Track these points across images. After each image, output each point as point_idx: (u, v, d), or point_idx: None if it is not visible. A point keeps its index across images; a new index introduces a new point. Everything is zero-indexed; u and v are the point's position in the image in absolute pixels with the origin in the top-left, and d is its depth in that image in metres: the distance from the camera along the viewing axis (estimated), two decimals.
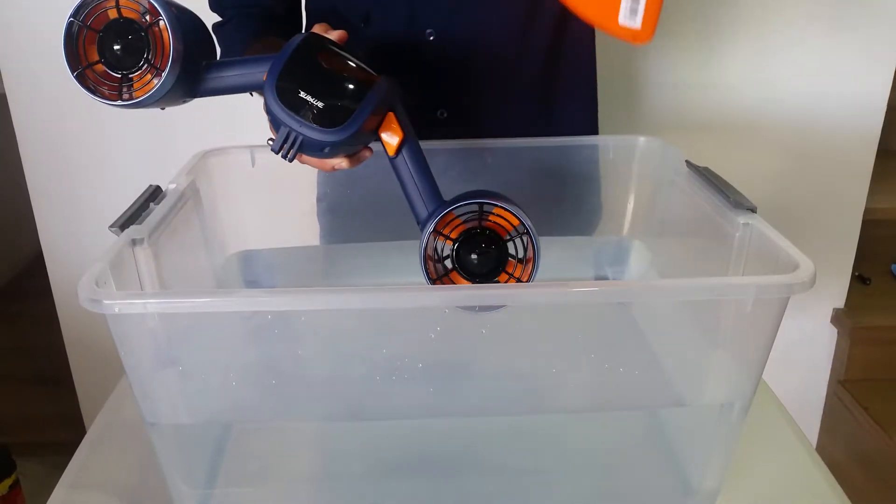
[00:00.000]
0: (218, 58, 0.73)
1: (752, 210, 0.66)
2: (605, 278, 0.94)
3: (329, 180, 0.92)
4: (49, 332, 1.66)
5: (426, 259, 0.63)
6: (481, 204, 0.63)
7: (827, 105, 1.47)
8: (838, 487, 0.71)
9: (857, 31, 1.42)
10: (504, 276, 0.64)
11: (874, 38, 1.43)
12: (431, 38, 0.86)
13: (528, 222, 0.63)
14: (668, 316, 0.72)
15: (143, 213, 0.67)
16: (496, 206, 0.62)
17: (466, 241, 0.63)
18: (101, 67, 0.60)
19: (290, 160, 0.61)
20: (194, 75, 0.63)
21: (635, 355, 0.71)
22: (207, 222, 0.82)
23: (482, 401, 0.66)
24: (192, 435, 0.68)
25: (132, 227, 0.64)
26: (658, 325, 0.73)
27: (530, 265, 0.63)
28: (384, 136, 0.65)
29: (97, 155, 1.46)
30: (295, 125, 0.60)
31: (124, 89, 0.60)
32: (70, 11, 0.59)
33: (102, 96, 0.60)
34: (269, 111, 0.61)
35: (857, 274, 1.72)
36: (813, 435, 1.75)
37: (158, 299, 0.55)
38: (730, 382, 0.64)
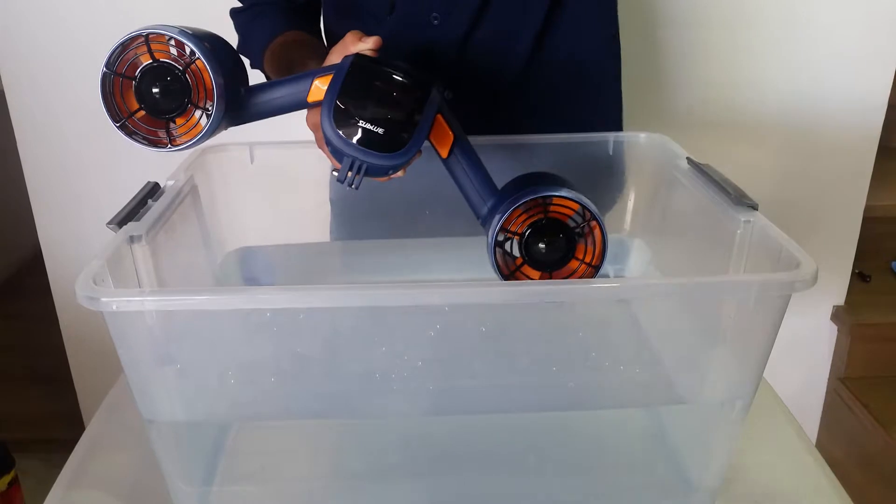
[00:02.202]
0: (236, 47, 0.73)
1: (754, 207, 0.66)
2: (605, 276, 0.93)
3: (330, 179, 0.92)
4: (48, 329, 1.66)
5: (496, 256, 0.63)
6: (543, 197, 0.62)
7: (828, 102, 1.47)
8: (839, 485, 0.71)
9: (858, 29, 1.42)
10: (575, 263, 0.63)
11: (875, 35, 1.42)
12: (436, 21, 0.86)
13: (588, 204, 0.62)
14: (669, 313, 0.71)
15: (141, 210, 0.67)
16: (555, 196, 0.62)
17: (533, 233, 0.63)
18: (142, 114, 0.60)
19: (357, 188, 0.61)
20: (236, 104, 0.63)
21: (636, 353, 0.71)
22: (206, 219, 0.81)
23: (482, 399, 0.66)
24: (191, 433, 0.68)
25: (130, 224, 0.64)
26: (659, 322, 0.73)
27: (599, 247, 0.63)
28: (435, 139, 0.65)
29: (95, 152, 1.46)
30: (359, 155, 0.60)
31: (171, 133, 0.60)
32: (103, 63, 0.58)
33: (151, 144, 0.60)
34: (329, 143, 0.60)
35: (857, 271, 1.72)
36: (813, 432, 1.75)
37: (156, 297, 0.55)
38: (731, 380, 0.64)
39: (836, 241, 1.60)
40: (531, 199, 0.62)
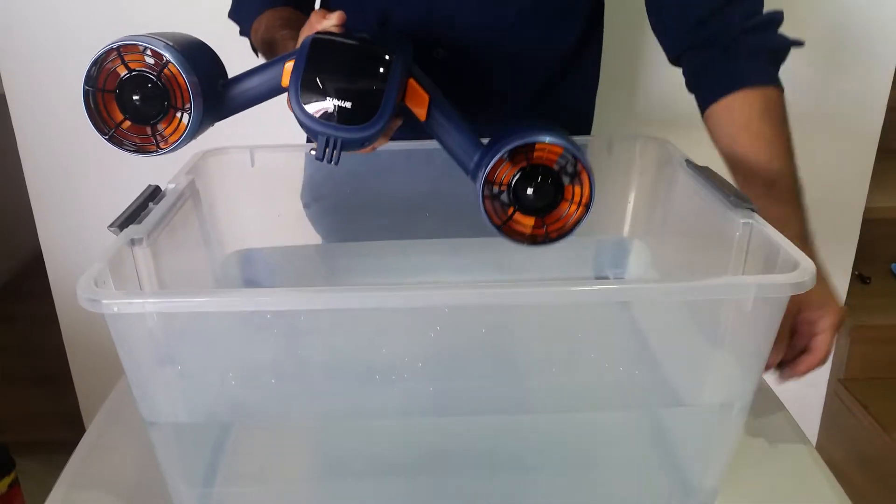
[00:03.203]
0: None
1: (753, 209, 0.66)
2: (605, 278, 0.94)
3: (326, 181, 0.92)
4: (49, 331, 1.66)
5: (485, 207, 0.63)
6: (525, 144, 0.62)
7: (827, 104, 1.47)
8: (839, 487, 0.71)
9: (858, 30, 1.42)
10: (565, 204, 0.64)
11: (874, 36, 1.42)
12: (439, 56, 0.86)
13: (570, 146, 0.62)
14: (668, 315, 0.72)
15: (143, 213, 0.67)
16: (537, 142, 0.62)
17: (520, 180, 0.63)
18: (128, 124, 0.61)
19: (337, 163, 0.61)
20: (215, 99, 0.64)
21: (635, 355, 0.71)
22: (206, 222, 0.82)
23: (482, 400, 0.66)
24: (192, 434, 0.68)
25: (131, 227, 0.64)
26: (658, 324, 0.73)
27: (587, 186, 0.63)
28: (411, 103, 0.65)
29: (96, 154, 1.46)
30: (332, 131, 0.60)
31: (157, 137, 0.62)
32: (82, 81, 0.59)
33: (141, 151, 0.62)
34: (302, 125, 0.61)
35: (857, 273, 1.72)
36: (813, 434, 1.75)
37: (157, 299, 0.55)
38: (730, 382, 0.64)
39: (835, 242, 1.60)
40: (514, 148, 0.62)
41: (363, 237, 0.93)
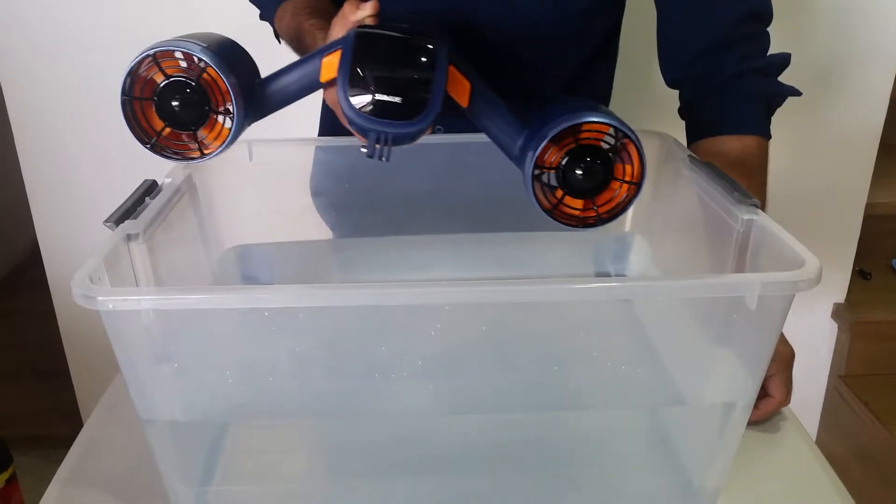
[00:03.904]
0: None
1: (756, 206, 0.66)
2: (606, 275, 0.93)
3: (329, 175, 0.91)
4: (46, 326, 1.65)
5: (535, 192, 0.62)
6: (571, 126, 0.60)
7: (829, 100, 1.46)
8: (840, 484, 0.71)
9: (860, 25, 1.41)
10: (616, 184, 0.62)
11: (877, 32, 1.42)
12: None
13: (617, 123, 0.61)
14: (671, 313, 0.71)
15: (139, 208, 0.66)
16: (583, 122, 0.61)
17: (568, 162, 0.62)
18: (168, 131, 0.61)
19: (388, 159, 0.60)
20: (253, 98, 0.63)
21: (637, 353, 0.71)
22: (204, 217, 0.81)
23: (482, 398, 0.65)
24: (188, 432, 0.67)
25: (127, 222, 0.64)
26: (660, 322, 0.73)
27: (637, 163, 0.62)
28: (453, 91, 0.63)
29: (93, 149, 1.45)
30: (384, 128, 0.59)
31: (201, 142, 0.61)
32: (120, 91, 0.59)
33: (184, 158, 0.61)
34: (352, 123, 0.60)
35: (858, 269, 1.72)
36: (813, 430, 1.75)
37: (153, 296, 0.54)
38: (733, 381, 0.63)
39: (836, 238, 1.60)
40: (560, 131, 0.60)
41: (362, 233, 0.93)
